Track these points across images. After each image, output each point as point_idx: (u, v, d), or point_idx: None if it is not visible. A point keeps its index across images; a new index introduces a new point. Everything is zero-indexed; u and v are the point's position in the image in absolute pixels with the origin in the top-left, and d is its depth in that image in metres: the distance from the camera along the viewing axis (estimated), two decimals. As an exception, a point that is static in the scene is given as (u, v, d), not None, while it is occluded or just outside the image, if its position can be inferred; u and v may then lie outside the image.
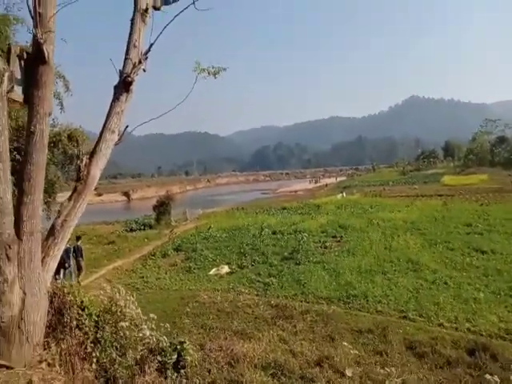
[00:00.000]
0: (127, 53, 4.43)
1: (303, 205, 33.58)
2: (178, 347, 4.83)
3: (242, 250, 15.53)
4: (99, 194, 75.59)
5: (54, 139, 21.32)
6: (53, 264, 4.12)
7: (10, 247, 3.51)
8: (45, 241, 4.02)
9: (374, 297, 9.86)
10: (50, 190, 22.17)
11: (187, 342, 4.97)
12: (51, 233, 4.08)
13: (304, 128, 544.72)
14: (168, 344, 4.76)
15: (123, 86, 4.38)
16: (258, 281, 11.70)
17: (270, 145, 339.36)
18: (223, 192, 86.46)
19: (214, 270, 13.26)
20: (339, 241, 16.40)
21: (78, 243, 13.34)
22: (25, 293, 3.69)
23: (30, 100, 3.93)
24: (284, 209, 31.91)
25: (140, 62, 4.42)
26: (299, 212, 28.66)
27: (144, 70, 4.52)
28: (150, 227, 24.62)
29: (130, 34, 4.44)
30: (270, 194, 71.88)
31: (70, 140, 21.94)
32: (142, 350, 4.59)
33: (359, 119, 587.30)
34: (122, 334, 4.48)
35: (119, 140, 4.53)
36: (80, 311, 4.18)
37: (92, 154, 4.33)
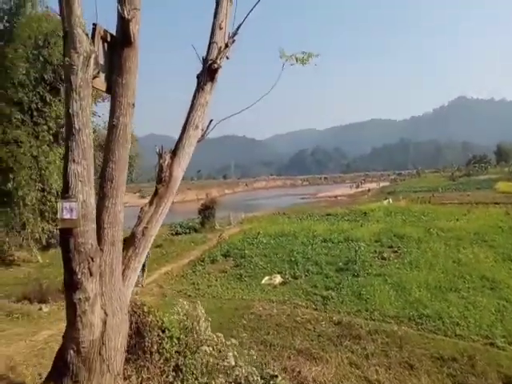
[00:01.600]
0: (212, 36, 3.95)
1: (349, 211, 32.30)
2: (271, 383, 4.23)
3: (292, 259, 14.82)
4: (142, 197, 77.68)
5: (103, 143, 21.86)
6: (133, 278, 3.67)
7: (92, 260, 3.07)
8: (124, 251, 3.58)
9: (449, 318, 8.83)
10: (100, 193, 22.77)
11: (279, 377, 4.36)
12: (131, 242, 3.64)
13: (343, 131, 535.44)
14: (258, 377, 4.17)
15: (208, 73, 3.89)
16: (315, 293, 10.95)
17: (308, 148, 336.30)
18: (261, 196, 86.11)
19: (266, 278, 12.66)
20: (397, 251, 15.26)
21: None
22: (106, 313, 3.24)
23: (112, 89, 3.50)
24: (328, 215, 30.86)
25: (227, 46, 3.90)
26: (345, 219, 27.54)
27: (227, 58, 4.00)
28: (195, 231, 24.52)
29: (215, 15, 3.96)
30: (310, 198, 70.49)
31: (120, 143, 22.42)
32: (228, 382, 4.04)
33: (401, 121, 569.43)
34: (204, 362, 3.95)
35: (202, 136, 4.02)
36: (161, 333, 3.70)
37: (174, 153, 3.84)
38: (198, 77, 3.99)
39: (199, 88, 3.94)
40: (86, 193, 3.07)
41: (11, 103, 16.52)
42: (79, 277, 3.00)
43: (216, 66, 3.89)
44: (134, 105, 3.55)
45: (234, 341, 4.49)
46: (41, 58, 17.55)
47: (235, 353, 4.32)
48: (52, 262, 17.28)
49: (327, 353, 7.49)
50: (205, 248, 18.59)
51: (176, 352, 3.77)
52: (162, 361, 3.60)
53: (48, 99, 17.81)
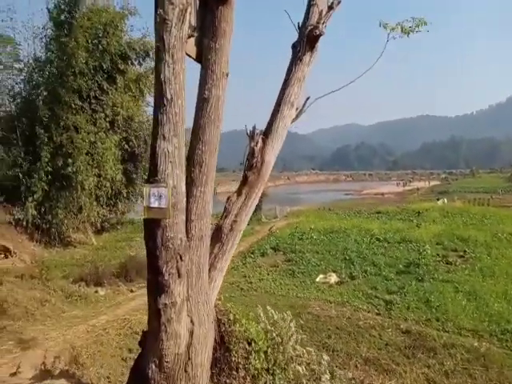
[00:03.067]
0: None
1: (400, 210, 30.79)
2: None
3: (347, 257, 14.06)
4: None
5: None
6: (219, 280, 3.25)
7: (181, 258, 2.63)
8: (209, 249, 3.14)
9: (539, 336, 7.78)
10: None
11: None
12: (217, 238, 3.20)
13: (389, 127, 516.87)
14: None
15: (307, 42, 3.35)
16: (377, 296, 10.18)
17: (352, 144, 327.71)
18: (303, 190, 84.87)
19: (320, 276, 12.04)
20: (463, 256, 14.03)
21: None
22: (192, 321, 2.82)
23: (204, 55, 3.04)
24: (378, 213, 29.51)
25: (331, 8, 3.33)
26: (398, 218, 26.16)
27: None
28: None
29: None
30: (354, 195, 68.46)
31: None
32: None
33: (452, 118, 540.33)
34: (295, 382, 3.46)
35: (297, 116, 3.50)
36: (247, 346, 3.24)
37: (266, 135, 3.34)
38: (293, 46, 3.45)
39: (296, 59, 3.40)
40: (176, 177, 2.62)
41: (71, 91, 16.97)
42: (166, 278, 2.57)
43: (318, 32, 3.34)
44: (227, 75, 3.07)
45: (326, 357, 3.97)
46: (100, 48, 17.90)
47: (327, 375, 3.78)
48: (105, 245, 17.71)
49: (399, 365, 6.78)
50: (253, 240, 18.23)
51: (265, 369, 3.32)
52: (248, 379, 3.15)
53: (105, 87, 18.20)
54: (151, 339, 2.72)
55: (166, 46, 2.56)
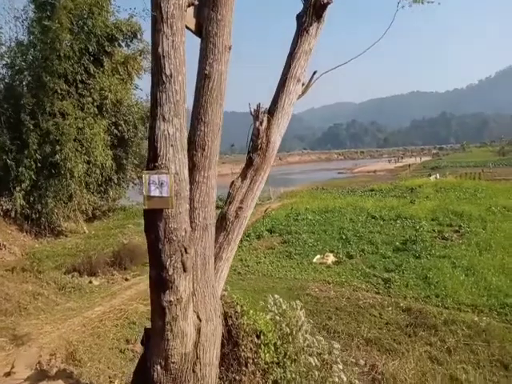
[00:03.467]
0: None
1: (393, 186, 30.86)
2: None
3: (343, 236, 13.99)
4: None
5: (148, 114, 21.39)
6: (225, 271, 3.05)
7: (186, 251, 2.40)
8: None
9: (538, 308, 7.80)
10: (141, 166, 22.60)
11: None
12: (222, 226, 2.99)
13: (380, 104, 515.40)
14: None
15: (313, 11, 3.06)
16: (375, 275, 10.14)
17: (343, 122, 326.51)
18: (296, 170, 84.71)
19: (317, 257, 11.96)
20: (458, 231, 14.06)
21: None
22: (199, 318, 2.61)
23: (204, 27, 2.75)
24: (372, 190, 29.64)
25: None
26: (392, 195, 26.25)
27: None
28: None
29: None
30: (347, 173, 68.61)
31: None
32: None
33: (442, 94, 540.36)
34: (309, 376, 3.30)
35: (303, 93, 3.23)
36: (255, 339, 3.06)
37: (271, 113, 3.08)
38: (298, 17, 3.16)
39: (302, 31, 3.13)
40: (178, 162, 2.38)
41: (56, 75, 16.33)
42: (170, 273, 2.35)
43: (325, 0, 3.03)
44: (230, 48, 2.78)
45: (336, 345, 3.83)
46: (85, 29, 17.16)
47: (340, 365, 3.63)
48: (97, 234, 17.44)
49: (401, 344, 6.74)
50: (248, 223, 18.06)
51: (276, 362, 3.16)
52: (258, 374, 2.99)
53: (92, 71, 17.56)
54: (155, 339, 2.51)
55: (163, 15, 2.28)
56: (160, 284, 2.38)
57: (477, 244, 12.09)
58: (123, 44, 19.38)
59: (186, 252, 2.37)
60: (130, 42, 19.54)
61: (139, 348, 6.28)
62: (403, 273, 10.11)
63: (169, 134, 2.31)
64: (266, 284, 10.17)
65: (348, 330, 7.35)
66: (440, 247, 12.16)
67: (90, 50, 17.33)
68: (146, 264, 11.23)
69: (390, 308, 8.21)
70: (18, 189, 15.46)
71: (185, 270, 2.38)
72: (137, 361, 6.06)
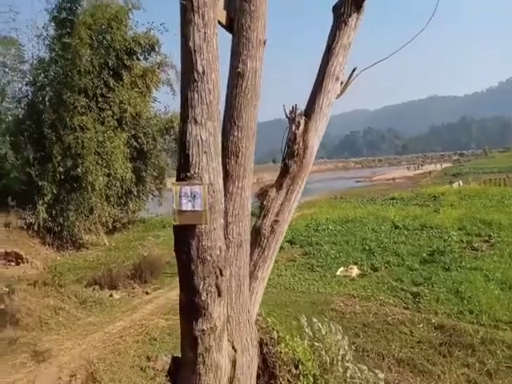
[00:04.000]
0: None
1: (415, 195, 30.14)
2: None
3: (366, 247, 13.58)
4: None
5: (166, 126, 21.64)
6: (261, 292, 2.82)
7: (221, 273, 2.17)
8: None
9: None
10: (160, 177, 22.77)
11: None
12: (256, 242, 2.77)
13: (397, 111, 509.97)
14: None
15: (352, 1, 2.83)
16: (402, 289, 9.71)
17: (360, 130, 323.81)
18: (314, 179, 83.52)
19: (341, 269, 11.60)
20: (488, 241, 13.44)
21: None
22: (234, 348, 2.37)
23: (236, 21, 2.57)
24: (393, 199, 28.98)
25: None
26: (414, 203, 25.57)
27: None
28: (254, 215, 23.91)
29: None
30: (365, 181, 67.56)
31: (181, 127, 22.08)
32: None
33: (462, 98, 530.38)
34: None
35: (341, 92, 3.01)
36: (294, 370, 2.82)
37: (308, 115, 2.86)
38: (335, 9, 2.93)
39: (340, 23, 2.88)
40: (213, 171, 2.15)
41: (77, 90, 16.65)
42: (203, 298, 2.11)
43: (366, -12, 2.82)
44: (265, 42, 2.58)
45: (381, 375, 3.55)
46: (104, 44, 17.49)
47: None
48: (118, 246, 17.51)
49: (435, 365, 6.33)
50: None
51: None
52: None
53: (112, 84, 17.85)
54: (186, 371, 2.28)
55: (194, 3, 2.05)
56: (191, 311, 2.15)
57: (510, 255, 11.50)
58: (141, 57, 19.74)
59: (222, 274, 2.15)
60: (148, 55, 19.87)
61: (160, 366, 6.11)
62: (433, 286, 9.65)
63: (202, 139, 2.09)
64: (288, 298, 9.87)
65: (377, 348, 6.98)
66: (470, 258, 11.61)
67: (110, 64, 17.66)
68: (166, 277, 11.12)
69: (421, 325, 7.79)
70: (41, 202, 15.71)
71: (219, 295, 2.16)
72: (158, 380, 5.90)
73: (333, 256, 12.96)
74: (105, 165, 17.00)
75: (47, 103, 17.13)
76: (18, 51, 18.46)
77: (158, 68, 20.76)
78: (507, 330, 7.44)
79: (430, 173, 66.51)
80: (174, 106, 22.34)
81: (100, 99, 17.70)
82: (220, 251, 2.16)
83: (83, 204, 16.77)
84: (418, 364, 6.38)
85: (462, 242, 13.52)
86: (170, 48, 19.25)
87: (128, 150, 18.41)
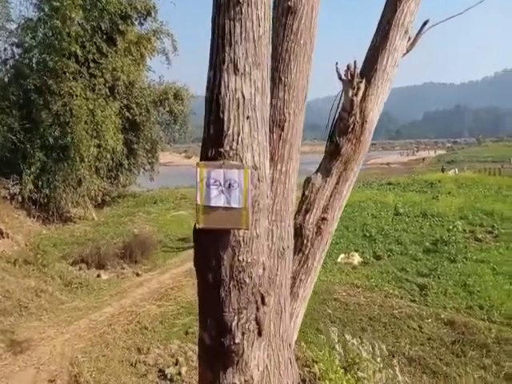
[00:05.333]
0: None
1: (412, 180, 29.74)
2: None
3: (367, 234, 13.10)
4: (188, 157, 77.72)
5: (161, 97, 20.56)
6: (301, 315, 2.19)
7: (263, 301, 1.51)
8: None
9: None
10: (152, 151, 21.85)
11: None
12: (296, 246, 2.11)
13: (392, 95, 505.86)
14: None
15: None
16: (408, 280, 9.28)
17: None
18: (307, 161, 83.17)
19: (342, 256, 11.12)
20: (491, 232, 13.06)
21: None
22: None
23: None
24: (389, 184, 28.61)
25: None
26: (411, 189, 25.19)
27: None
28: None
29: None
30: (360, 165, 67.25)
31: (176, 98, 21.03)
32: None
33: (457, 86, 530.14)
34: None
35: (407, 51, 2.32)
36: None
37: (367, 79, 2.16)
38: None
39: None
40: (258, 147, 1.49)
41: (67, 54, 15.48)
42: (237, 340, 1.45)
43: None
44: None
45: None
46: (98, 6, 16.23)
47: None
48: (107, 221, 16.78)
49: (449, 366, 5.93)
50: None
51: None
52: None
53: (104, 50, 16.67)
54: None
55: None
56: (219, 357, 1.49)
57: (516, 248, 11.13)
58: (136, 23, 18.45)
59: (264, 303, 1.50)
60: (144, 20, 18.62)
61: (152, 359, 5.55)
62: (439, 278, 9.23)
63: (244, 97, 1.40)
64: (287, 285, 9.38)
65: (386, 345, 6.53)
66: (475, 250, 11.22)
67: (103, 28, 16.42)
68: (158, 257, 10.47)
69: (429, 320, 7.37)
70: (28, 172, 14.78)
71: (260, 334, 1.51)
72: (149, 377, 5.34)
73: (333, 242, 12.41)
74: (95, 135, 16.01)
75: (34, 67, 15.95)
76: (5, 8, 17.10)
77: (154, 35, 19.53)
78: (521, 328, 7.06)
79: (423, 159, 66.41)
80: (169, 76, 21.26)
81: (91, 65, 16.54)
82: (263, 269, 1.50)
83: (71, 175, 15.86)
84: (430, 364, 5.98)
85: (465, 231, 13.12)
86: (167, 17, 18.14)
87: (120, 121, 17.39)
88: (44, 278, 7.80)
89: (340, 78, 2.06)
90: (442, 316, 7.48)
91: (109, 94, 16.90)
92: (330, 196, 2.13)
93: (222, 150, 1.41)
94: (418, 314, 7.64)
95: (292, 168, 1.83)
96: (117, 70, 17.04)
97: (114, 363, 5.16)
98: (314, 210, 2.12)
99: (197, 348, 5.44)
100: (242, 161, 1.42)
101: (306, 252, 2.10)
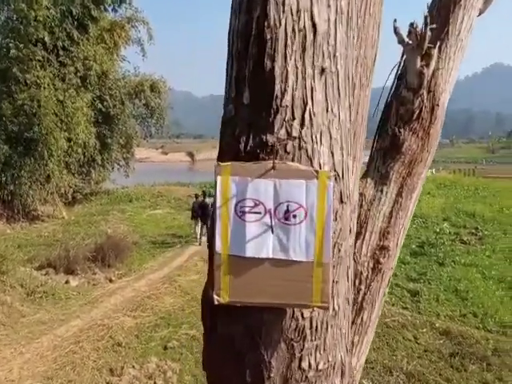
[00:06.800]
0: None
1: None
2: None
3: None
4: (165, 153, 76.07)
5: (136, 89, 19.55)
6: (362, 360, 1.58)
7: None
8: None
9: None
10: (127, 146, 20.83)
11: None
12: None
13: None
14: None
15: None
16: (398, 285, 8.88)
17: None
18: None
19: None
20: (475, 234, 12.95)
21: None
22: None
23: None
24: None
25: None
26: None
27: None
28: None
29: None
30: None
31: (152, 91, 20.05)
32: None
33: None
34: None
35: (480, 12, 1.75)
36: None
37: (439, 45, 1.54)
38: None
39: None
40: (341, 141, 0.92)
41: (33, 40, 14.35)
42: None
43: None
44: None
45: None
46: (69, -10, 15.15)
47: None
48: (78, 220, 15.76)
49: (450, 383, 5.52)
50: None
51: None
52: None
53: (75, 37, 15.59)
54: None
55: None
56: None
57: (502, 251, 11.00)
58: (110, 8, 17.37)
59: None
60: (118, 6, 17.52)
61: (126, 382, 4.88)
62: (430, 284, 8.91)
63: (315, 27, 0.83)
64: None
65: (382, 358, 6.10)
66: (462, 253, 11.02)
67: (74, 13, 15.34)
68: (133, 261, 9.68)
69: (424, 330, 6.99)
70: (-10, 166, 13.66)
71: None
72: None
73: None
74: (65, 128, 14.97)
75: (-3, 52, 14.75)
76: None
77: (128, 23, 18.53)
78: (517, 337, 6.78)
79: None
80: (145, 68, 20.30)
81: (61, 53, 15.48)
82: (342, 375, 0.92)
83: (39, 171, 14.79)
84: (430, 381, 5.56)
85: (450, 233, 12.95)
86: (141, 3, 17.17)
87: (92, 113, 16.38)
88: (2, 287, 6.91)
89: (401, 41, 1.46)
90: (437, 325, 7.12)
91: (80, 84, 15.88)
92: (390, 213, 1.54)
93: (269, 138, 0.81)
94: (412, 322, 7.26)
95: (355, 170, 1.24)
96: (89, 59, 16.02)
97: (82, 392, 4.47)
98: (368, 235, 1.52)
99: (178, 367, 4.68)
100: (311, 160, 0.83)
101: (360, 299, 1.51)
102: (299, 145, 0.84)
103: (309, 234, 0.85)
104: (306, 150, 0.84)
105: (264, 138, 0.83)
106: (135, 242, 11.73)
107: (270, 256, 0.85)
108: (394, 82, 1.64)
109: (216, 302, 0.86)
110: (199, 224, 12.32)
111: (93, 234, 12.69)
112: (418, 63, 1.45)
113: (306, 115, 0.83)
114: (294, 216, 0.84)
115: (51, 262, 9.55)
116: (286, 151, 0.83)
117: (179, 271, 9.14)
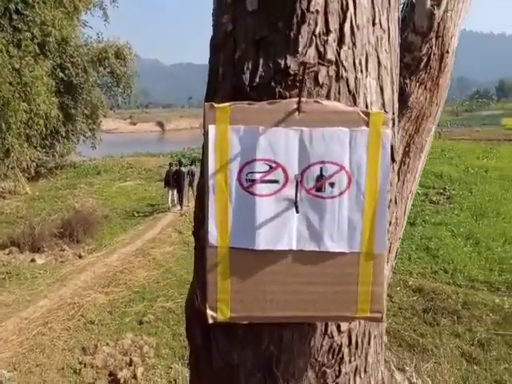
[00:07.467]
0: None
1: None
2: None
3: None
4: (133, 123, 73.49)
5: (100, 56, 18.33)
6: (381, 359, 1.34)
7: None
8: None
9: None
10: (93, 117, 19.78)
11: None
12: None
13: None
14: None
15: None
16: (371, 246, 9.06)
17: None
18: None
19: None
20: (443, 193, 13.33)
21: (193, 167, 12.76)
22: None
23: None
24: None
25: None
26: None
27: None
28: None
29: None
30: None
31: (117, 58, 18.86)
32: None
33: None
34: None
35: None
36: None
37: None
38: None
39: None
40: (390, 69, 0.65)
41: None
42: None
43: None
44: None
45: None
46: None
47: None
48: (43, 195, 15.06)
49: (424, 337, 5.70)
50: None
51: None
52: None
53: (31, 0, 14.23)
54: None
55: None
56: None
57: (469, 209, 11.36)
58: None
59: None
60: (77, -35, 16.04)
61: (100, 361, 4.72)
62: (402, 243, 9.02)
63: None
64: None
65: (358, 318, 6.20)
66: (432, 213, 11.32)
67: (27, -30, 13.93)
68: (103, 236, 9.36)
69: (398, 288, 7.17)
70: None
71: None
72: (100, 384, 4.52)
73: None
74: (23, 98, 13.91)
75: None
76: None
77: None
78: (485, 290, 7.06)
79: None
80: (108, 33, 18.98)
81: (14, 17, 14.11)
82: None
83: (-4, 145, 13.84)
84: (406, 336, 5.71)
85: (420, 194, 13.25)
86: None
87: (53, 83, 15.28)
88: (-39, 268, 6.50)
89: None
90: (410, 283, 7.32)
91: (38, 51, 14.67)
92: (397, 176, 1.31)
93: (290, 62, 0.54)
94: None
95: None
96: (47, 24, 14.75)
97: (51, 374, 4.25)
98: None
99: (154, 341, 4.49)
100: (355, 98, 0.57)
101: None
102: (337, 73, 0.56)
103: (354, 211, 0.58)
104: (347, 82, 0.57)
105: (282, 62, 0.56)
106: (105, 216, 11.33)
107: (294, 248, 0.58)
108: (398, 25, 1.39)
109: (211, 321, 0.59)
110: (174, 192, 12.16)
111: (59, 209, 12.16)
112: (428, 2, 1.21)
113: (346, 27, 0.56)
114: (332, 184, 0.57)
115: (14, 240, 9.07)
116: (316, 83, 0.56)
117: (152, 243, 8.89)
